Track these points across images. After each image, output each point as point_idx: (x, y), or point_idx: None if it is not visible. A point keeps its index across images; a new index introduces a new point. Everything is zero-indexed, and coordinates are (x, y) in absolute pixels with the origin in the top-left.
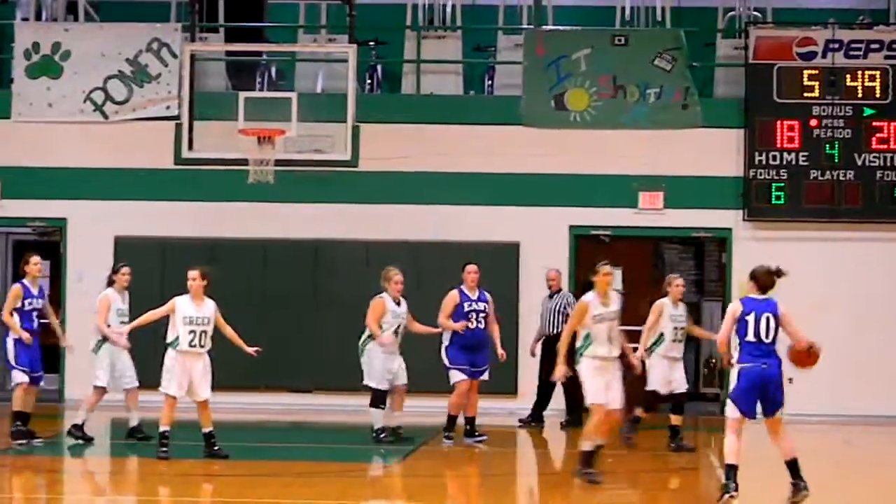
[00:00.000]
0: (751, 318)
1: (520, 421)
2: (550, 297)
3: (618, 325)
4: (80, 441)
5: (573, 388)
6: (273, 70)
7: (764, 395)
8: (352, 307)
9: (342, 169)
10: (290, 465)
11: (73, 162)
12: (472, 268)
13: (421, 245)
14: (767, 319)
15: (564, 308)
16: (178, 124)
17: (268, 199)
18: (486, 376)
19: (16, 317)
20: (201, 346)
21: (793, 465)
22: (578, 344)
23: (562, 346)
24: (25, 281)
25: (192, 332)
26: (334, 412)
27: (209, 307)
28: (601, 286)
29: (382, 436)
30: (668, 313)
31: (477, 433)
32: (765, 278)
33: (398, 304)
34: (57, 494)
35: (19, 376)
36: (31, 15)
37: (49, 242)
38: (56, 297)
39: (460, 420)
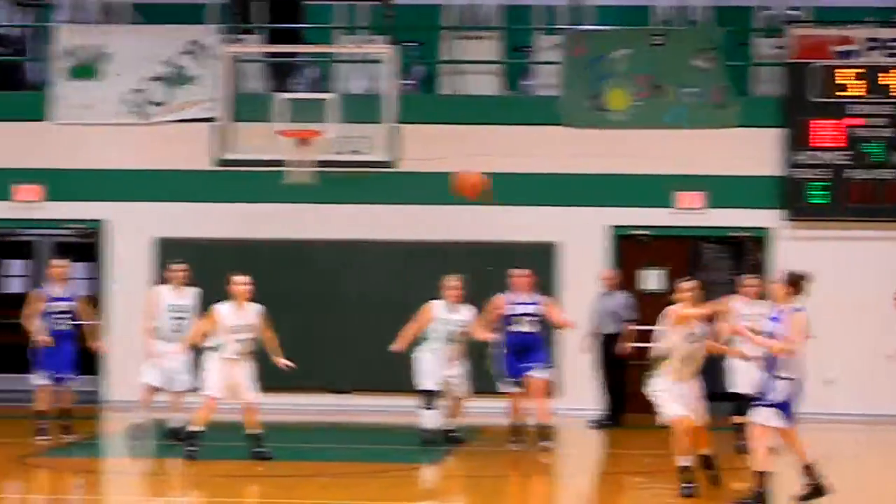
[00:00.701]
0: None
1: (592, 422)
2: (606, 296)
3: (702, 348)
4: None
5: (619, 389)
6: (311, 71)
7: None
8: (390, 308)
9: (380, 170)
10: (328, 466)
11: (113, 164)
12: (518, 272)
13: (458, 246)
14: None
15: (621, 308)
16: (217, 126)
17: (307, 200)
18: (540, 374)
19: (40, 320)
20: (245, 353)
21: (810, 469)
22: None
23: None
24: (47, 284)
25: (237, 340)
26: (373, 413)
27: (252, 313)
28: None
29: (429, 436)
30: (741, 312)
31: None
32: (803, 284)
33: (454, 311)
34: (96, 495)
35: (36, 379)
36: (71, 17)
37: (89, 244)
38: (97, 298)
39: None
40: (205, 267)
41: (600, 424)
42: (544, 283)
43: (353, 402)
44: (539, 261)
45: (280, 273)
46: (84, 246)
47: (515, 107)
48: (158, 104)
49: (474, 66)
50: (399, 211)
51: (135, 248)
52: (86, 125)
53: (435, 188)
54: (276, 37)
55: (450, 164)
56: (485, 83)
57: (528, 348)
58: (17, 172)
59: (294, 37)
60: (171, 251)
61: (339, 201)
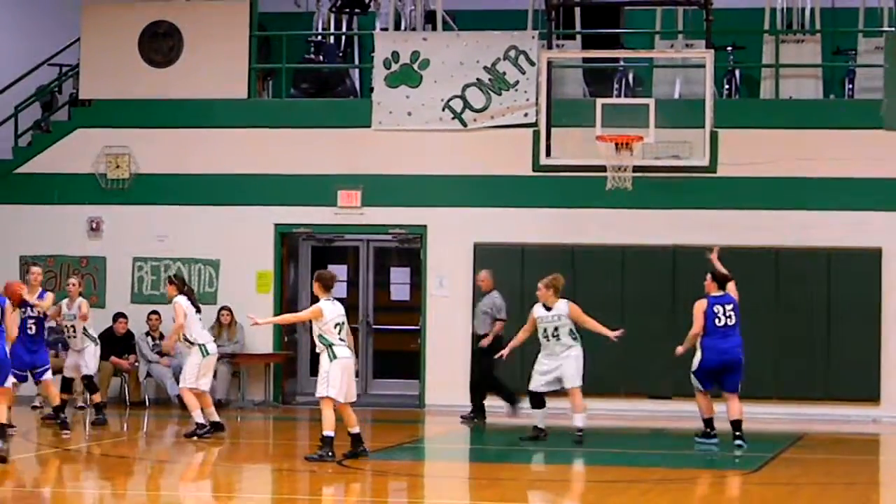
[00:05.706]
0: None
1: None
2: None
3: None
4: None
5: None
6: (630, 76)
7: None
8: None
9: (700, 175)
10: (649, 472)
11: (433, 169)
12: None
13: (782, 250)
14: None
15: None
16: (536, 131)
17: (626, 205)
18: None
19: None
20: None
21: None
22: None
23: None
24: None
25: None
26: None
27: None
28: None
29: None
30: None
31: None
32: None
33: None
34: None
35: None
36: (391, 25)
37: (409, 249)
38: (417, 302)
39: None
40: (525, 272)
41: None
42: (869, 290)
43: (674, 407)
44: (864, 266)
45: (599, 278)
46: (402, 251)
47: (837, 111)
48: (478, 110)
49: (795, 70)
50: (720, 216)
51: (454, 254)
52: (406, 131)
53: (756, 192)
54: (595, 42)
55: (770, 168)
56: (806, 87)
57: None
58: (341, 178)
59: (613, 42)
60: (491, 256)
61: (659, 206)
